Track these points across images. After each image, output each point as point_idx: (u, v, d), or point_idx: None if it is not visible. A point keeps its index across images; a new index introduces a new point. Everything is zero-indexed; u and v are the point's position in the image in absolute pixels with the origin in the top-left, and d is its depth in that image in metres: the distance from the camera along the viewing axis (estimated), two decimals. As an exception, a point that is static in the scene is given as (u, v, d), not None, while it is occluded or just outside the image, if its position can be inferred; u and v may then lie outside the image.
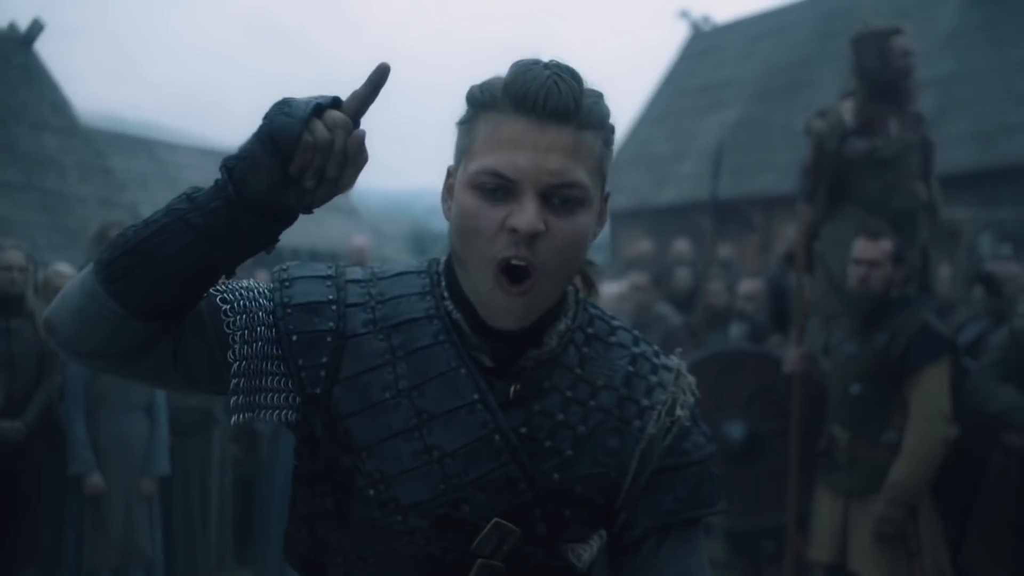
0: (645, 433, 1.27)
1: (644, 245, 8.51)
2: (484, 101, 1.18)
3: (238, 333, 1.20)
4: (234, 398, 1.20)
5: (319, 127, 1.09)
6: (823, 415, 3.85)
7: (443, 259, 1.32)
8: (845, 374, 3.71)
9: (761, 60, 13.11)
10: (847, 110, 4.21)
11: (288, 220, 1.16)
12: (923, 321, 3.53)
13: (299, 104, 1.09)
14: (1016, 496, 3.56)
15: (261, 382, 1.21)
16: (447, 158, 1.27)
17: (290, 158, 1.08)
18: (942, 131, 9.53)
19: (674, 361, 1.36)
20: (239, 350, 1.20)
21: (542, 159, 1.13)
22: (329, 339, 1.23)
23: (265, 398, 1.22)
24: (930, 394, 3.47)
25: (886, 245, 3.60)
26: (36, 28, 11.64)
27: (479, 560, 1.21)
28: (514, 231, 1.13)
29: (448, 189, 1.26)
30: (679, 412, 1.30)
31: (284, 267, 1.30)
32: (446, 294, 1.27)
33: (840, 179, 4.18)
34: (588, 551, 1.27)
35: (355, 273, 1.31)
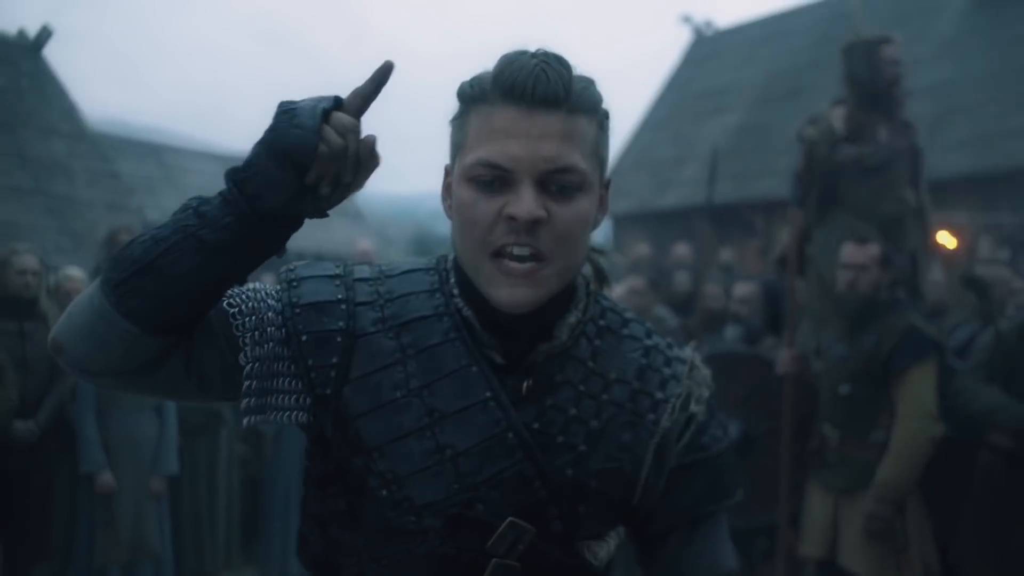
0: (659, 427, 1.26)
1: (643, 249, 8.60)
2: (474, 95, 1.17)
3: (248, 335, 1.18)
4: (246, 400, 1.18)
5: (332, 135, 1.07)
6: (815, 415, 3.95)
7: (451, 255, 1.30)
8: (835, 375, 3.81)
9: (763, 65, 13.15)
10: (838, 117, 4.31)
11: (300, 225, 1.16)
12: (910, 323, 3.63)
13: (306, 112, 1.07)
14: (1001, 494, 3.64)
15: (273, 383, 1.19)
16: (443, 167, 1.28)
17: (306, 169, 1.07)
18: (942, 136, 9.61)
19: (687, 353, 1.36)
20: (250, 352, 1.18)
21: (535, 146, 1.12)
22: (339, 339, 1.21)
23: (277, 399, 1.20)
24: (917, 394, 3.57)
25: (873, 250, 3.70)
26: (45, 35, 11.75)
27: (494, 560, 1.19)
28: (512, 219, 1.12)
29: (447, 188, 1.25)
30: (694, 407, 1.30)
31: (291, 267, 1.29)
32: (455, 291, 1.26)
33: (831, 185, 4.27)
34: (605, 548, 1.26)
35: (363, 271, 1.30)
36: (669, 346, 1.35)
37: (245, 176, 1.09)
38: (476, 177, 1.15)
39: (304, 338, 1.20)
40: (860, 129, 4.27)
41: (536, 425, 1.21)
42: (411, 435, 1.19)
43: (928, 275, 4.59)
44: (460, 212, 1.18)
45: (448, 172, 1.25)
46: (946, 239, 6.27)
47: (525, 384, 1.22)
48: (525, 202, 1.11)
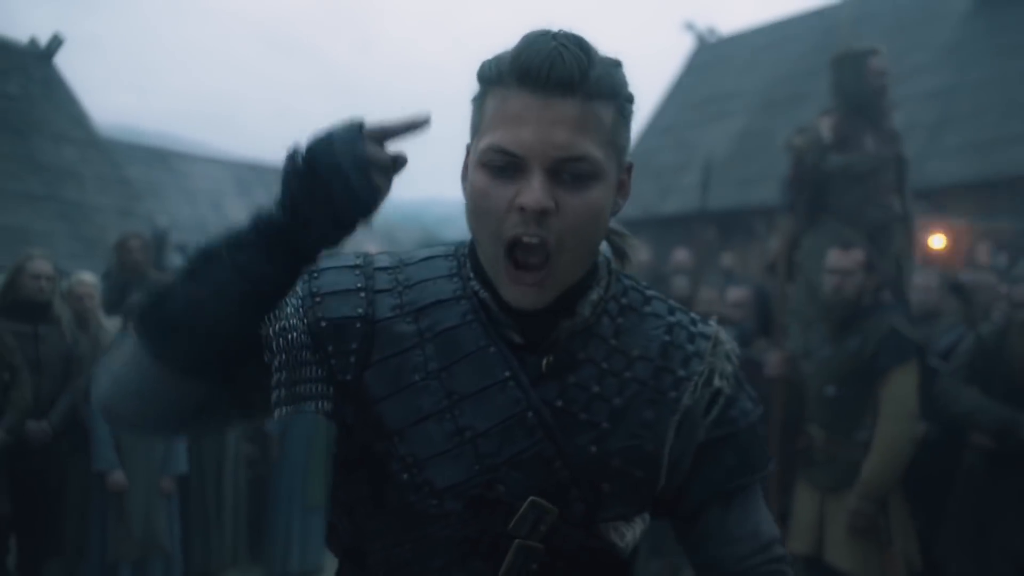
0: (680, 405, 1.25)
1: (643, 254, 8.69)
2: (491, 77, 1.16)
3: (272, 328, 1.19)
4: (276, 392, 1.17)
5: (384, 184, 1.10)
6: (802, 415, 4.07)
7: (469, 240, 1.29)
8: (821, 376, 3.93)
9: (765, 72, 13.23)
10: (826, 127, 4.44)
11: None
12: (891, 326, 3.74)
13: (356, 170, 1.06)
14: (982, 493, 3.76)
15: (300, 373, 1.19)
16: (458, 168, 1.26)
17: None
18: (942, 142, 9.69)
19: (712, 328, 1.33)
20: (277, 343, 1.18)
21: (547, 133, 1.10)
22: (358, 325, 1.21)
23: (305, 388, 1.20)
24: (899, 394, 3.68)
25: (858, 255, 3.82)
26: (56, 43, 11.93)
27: (516, 541, 1.19)
28: (523, 209, 1.11)
29: (465, 167, 1.22)
30: (718, 382, 1.28)
31: None
32: (472, 274, 1.26)
33: (819, 192, 4.40)
34: (631, 531, 1.25)
35: (383, 260, 1.30)
36: (693, 322, 1.33)
37: (305, 241, 1.10)
38: (489, 162, 1.13)
39: (323, 324, 1.21)
40: (847, 138, 4.40)
41: (559, 403, 1.20)
42: (430, 418, 1.18)
43: (922, 281, 4.71)
44: (473, 198, 1.16)
45: (468, 151, 1.22)
46: (938, 241, 6.38)
47: (545, 361, 1.21)
48: (534, 191, 1.10)
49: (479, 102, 1.19)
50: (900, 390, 3.68)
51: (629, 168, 1.25)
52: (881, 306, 3.92)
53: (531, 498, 1.18)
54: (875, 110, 4.45)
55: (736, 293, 5.17)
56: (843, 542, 3.77)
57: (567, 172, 1.12)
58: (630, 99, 1.20)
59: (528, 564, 1.20)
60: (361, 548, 1.28)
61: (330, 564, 1.53)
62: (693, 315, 1.35)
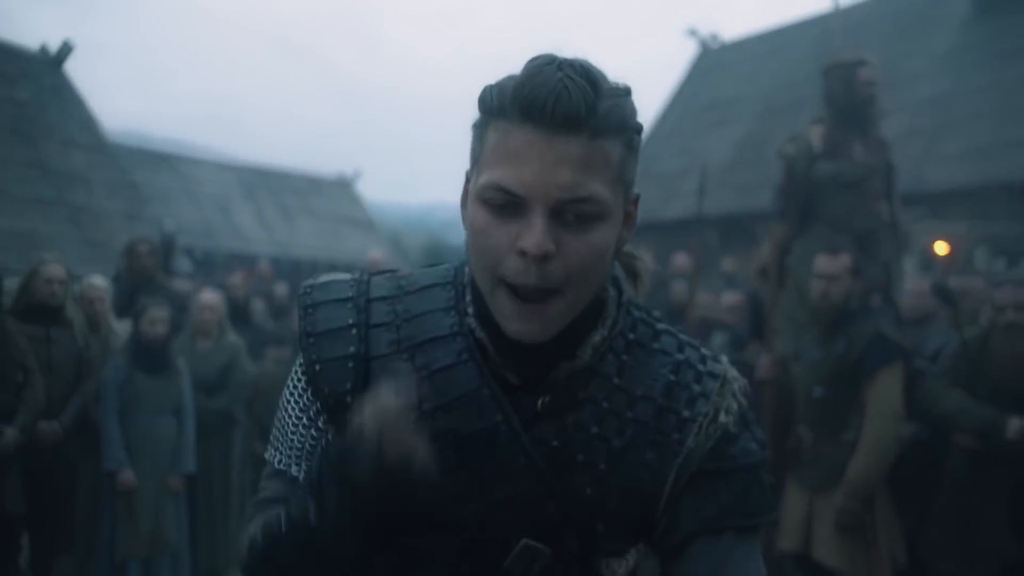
0: (684, 446, 1.20)
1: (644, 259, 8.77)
2: (493, 108, 1.10)
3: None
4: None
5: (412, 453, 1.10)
6: (792, 417, 4.18)
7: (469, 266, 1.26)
8: (810, 378, 4.03)
9: (767, 78, 13.32)
10: (816, 136, 4.55)
11: None
12: (877, 329, 3.85)
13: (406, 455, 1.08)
14: (966, 491, 3.86)
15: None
16: (462, 173, 1.22)
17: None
18: (940, 147, 9.79)
19: (721, 367, 1.28)
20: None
21: (551, 173, 1.05)
22: (351, 364, 1.21)
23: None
24: (884, 396, 3.79)
25: (845, 260, 3.93)
26: (66, 50, 12.08)
27: None
28: (523, 253, 1.06)
29: (465, 195, 1.19)
30: (723, 418, 1.22)
31: (308, 288, 1.28)
32: (470, 310, 1.22)
33: (810, 199, 4.51)
34: (624, 566, 1.24)
35: (381, 289, 1.28)
36: (703, 359, 1.28)
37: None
38: (489, 200, 1.09)
39: (318, 367, 1.22)
40: (837, 147, 4.51)
41: (555, 442, 1.18)
42: None
43: (913, 286, 4.81)
44: (473, 234, 1.13)
45: (468, 179, 1.18)
46: (940, 248, 6.48)
47: (541, 401, 1.18)
48: (535, 235, 1.05)
49: (480, 131, 1.13)
50: (885, 391, 3.79)
51: (636, 200, 1.19)
52: (868, 310, 4.03)
53: (524, 541, 1.18)
54: (864, 119, 4.55)
55: (730, 298, 5.29)
56: (830, 539, 3.87)
57: (571, 212, 1.07)
58: (639, 129, 1.14)
59: None
60: None
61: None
62: (704, 351, 1.30)
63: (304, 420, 1.26)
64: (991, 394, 3.76)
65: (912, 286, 4.84)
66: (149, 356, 4.86)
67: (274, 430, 1.32)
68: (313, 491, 1.13)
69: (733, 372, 1.29)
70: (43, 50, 12.00)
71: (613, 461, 1.19)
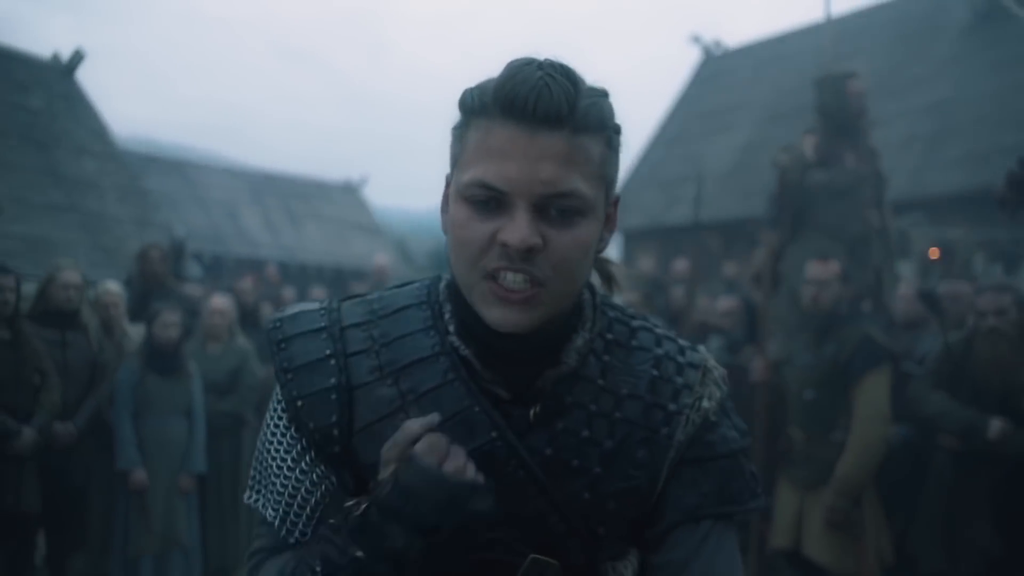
0: (674, 441, 1.20)
1: (645, 264, 8.90)
2: (474, 107, 1.10)
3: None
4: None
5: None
6: (784, 418, 4.31)
7: (443, 283, 1.26)
8: (801, 381, 4.17)
9: (770, 84, 13.39)
10: (809, 146, 4.68)
11: None
12: (865, 334, 3.98)
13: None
14: (950, 490, 3.98)
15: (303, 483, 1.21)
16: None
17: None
18: (940, 154, 9.87)
19: (700, 356, 1.28)
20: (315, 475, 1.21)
21: (533, 168, 1.05)
22: (334, 396, 1.18)
23: (306, 487, 1.21)
24: (871, 398, 3.93)
25: (834, 267, 4.07)
26: (77, 58, 12.23)
27: None
28: (506, 245, 1.06)
29: (446, 199, 1.18)
30: (706, 404, 1.23)
31: (278, 322, 1.24)
32: (451, 328, 1.21)
33: (802, 207, 4.65)
34: (629, 567, 1.23)
35: (353, 315, 1.25)
36: (681, 351, 1.28)
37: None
38: (471, 197, 1.09)
39: (299, 404, 1.18)
40: (829, 156, 4.64)
41: (548, 451, 1.17)
42: None
43: (906, 291, 4.93)
44: (454, 231, 1.12)
45: (448, 183, 1.18)
46: (932, 252, 6.61)
47: (532, 412, 1.17)
48: (519, 229, 1.05)
49: (460, 132, 1.14)
50: (873, 394, 3.92)
51: (616, 201, 1.20)
52: (857, 315, 4.16)
53: (532, 556, 1.16)
54: (855, 129, 4.69)
55: (725, 303, 5.41)
56: (820, 536, 4.01)
57: (554, 208, 1.07)
58: (618, 130, 1.15)
59: None
60: None
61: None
62: (681, 343, 1.30)
63: (288, 461, 1.21)
64: (974, 396, 3.88)
65: (903, 291, 4.96)
66: (161, 359, 4.99)
67: (253, 471, 1.28)
68: (360, 535, 1.10)
69: (712, 361, 1.29)
70: (55, 58, 12.14)
71: (607, 463, 1.18)
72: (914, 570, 4.07)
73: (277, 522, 1.22)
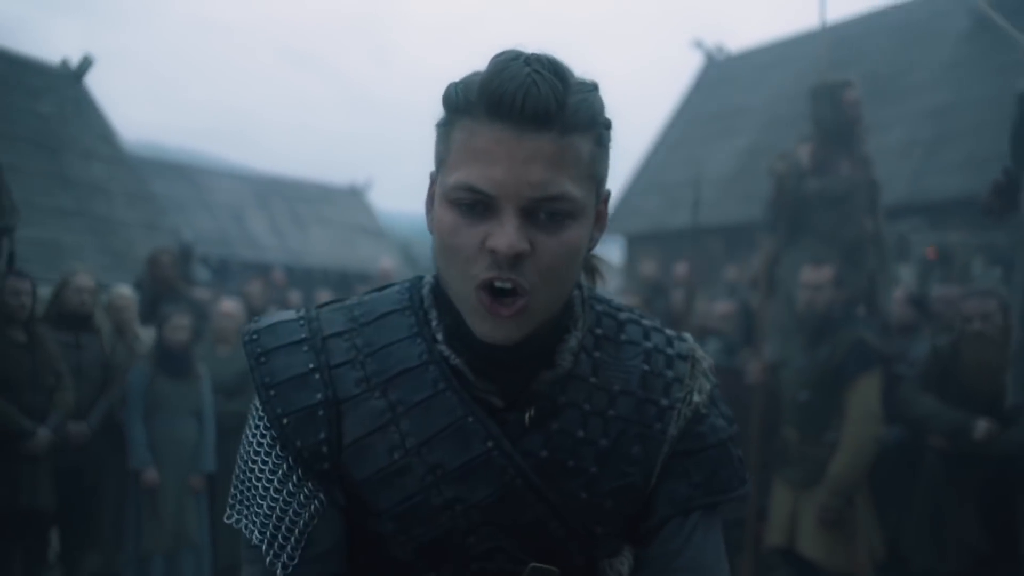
0: (667, 435, 1.19)
1: (648, 267, 8.97)
2: (458, 105, 1.06)
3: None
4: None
5: None
6: (779, 419, 4.42)
7: (426, 288, 1.22)
8: (796, 383, 4.28)
9: (772, 89, 13.45)
10: (804, 153, 4.79)
11: None
12: (858, 337, 4.09)
13: None
14: (940, 490, 4.08)
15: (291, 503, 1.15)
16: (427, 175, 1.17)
17: None
18: (940, 158, 9.93)
19: (687, 346, 1.26)
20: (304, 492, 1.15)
21: (521, 171, 1.01)
22: (321, 412, 1.13)
23: (294, 507, 1.15)
24: (863, 399, 4.04)
25: (828, 271, 4.18)
26: (86, 64, 12.34)
27: None
28: (494, 252, 1.02)
29: (430, 198, 1.14)
30: (696, 398, 1.21)
31: (255, 334, 1.18)
32: (439, 336, 1.16)
33: (798, 213, 4.75)
34: (625, 564, 1.22)
35: (333, 324, 1.19)
36: (669, 342, 1.25)
37: None
38: (457, 200, 1.04)
39: (285, 421, 1.13)
40: (824, 164, 4.75)
41: (544, 453, 1.14)
42: (417, 496, 1.12)
43: (901, 295, 5.03)
44: (442, 236, 1.08)
45: (433, 181, 1.13)
46: (930, 253, 6.72)
47: (527, 415, 1.15)
48: (507, 234, 1.01)
49: (444, 130, 1.09)
50: (865, 395, 4.03)
51: (606, 199, 1.16)
52: (851, 318, 4.26)
53: (532, 564, 1.14)
54: (850, 138, 4.80)
55: (723, 306, 5.53)
56: (813, 534, 4.11)
57: (543, 211, 1.03)
58: (608, 125, 1.10)
59: None
60: None
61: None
62: (668, 333, 1.28)
63: (275, 482, 1.14)
64: (961, 398, 3.97)
65: (898, 296, 5.06)
66: (172, 361, 5.11)
67: (234, 489, 1.21)
68: None
69: (700, 350, 1.28)
70: (64, 64, 12.25)
71: (602, 462, 1.16)
72: (905, 566, 4.17)
73: (264, 546, 1.14)
